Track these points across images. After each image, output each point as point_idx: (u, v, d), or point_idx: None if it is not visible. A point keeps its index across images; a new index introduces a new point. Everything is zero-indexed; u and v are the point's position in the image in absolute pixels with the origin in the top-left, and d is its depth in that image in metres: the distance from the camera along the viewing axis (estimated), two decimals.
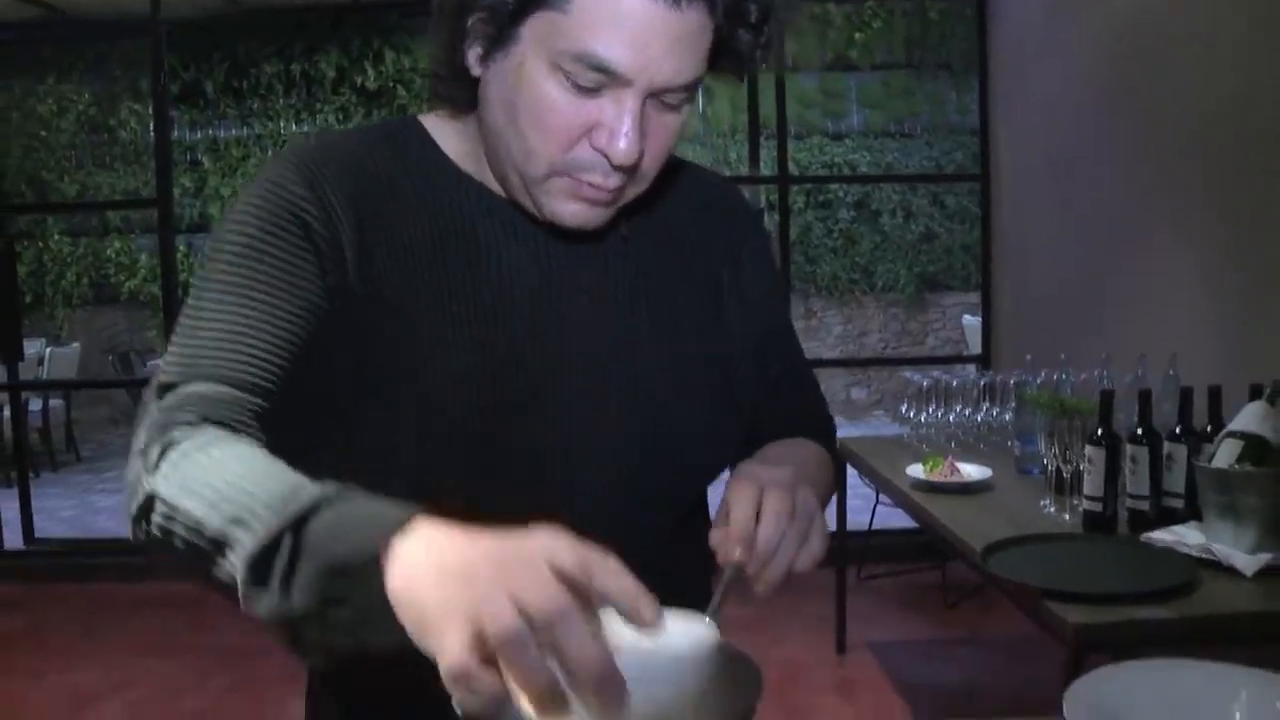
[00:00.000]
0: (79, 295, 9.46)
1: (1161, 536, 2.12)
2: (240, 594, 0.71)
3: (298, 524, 0.69)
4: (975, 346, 7.45)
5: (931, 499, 2.64)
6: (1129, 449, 2.27)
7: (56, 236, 9.37)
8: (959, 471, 2.77)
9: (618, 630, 0.65)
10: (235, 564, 0.71)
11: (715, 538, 0.86)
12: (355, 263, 0.90)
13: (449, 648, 0.60)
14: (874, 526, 4.50)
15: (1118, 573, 1.99)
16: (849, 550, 3.78)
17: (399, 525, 0.67)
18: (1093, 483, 2.27)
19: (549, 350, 0.95)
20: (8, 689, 3.47)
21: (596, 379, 0.97)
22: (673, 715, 0.68)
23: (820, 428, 1.17)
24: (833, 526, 3.62)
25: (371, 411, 0.91)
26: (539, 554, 0.63)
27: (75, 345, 7.89)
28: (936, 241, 9.67)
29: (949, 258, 9.68)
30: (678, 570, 1.05)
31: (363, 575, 0.66)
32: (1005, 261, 4.59)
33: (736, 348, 1.07)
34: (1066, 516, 2.38)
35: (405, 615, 0.64)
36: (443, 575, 0.63)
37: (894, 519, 3.84)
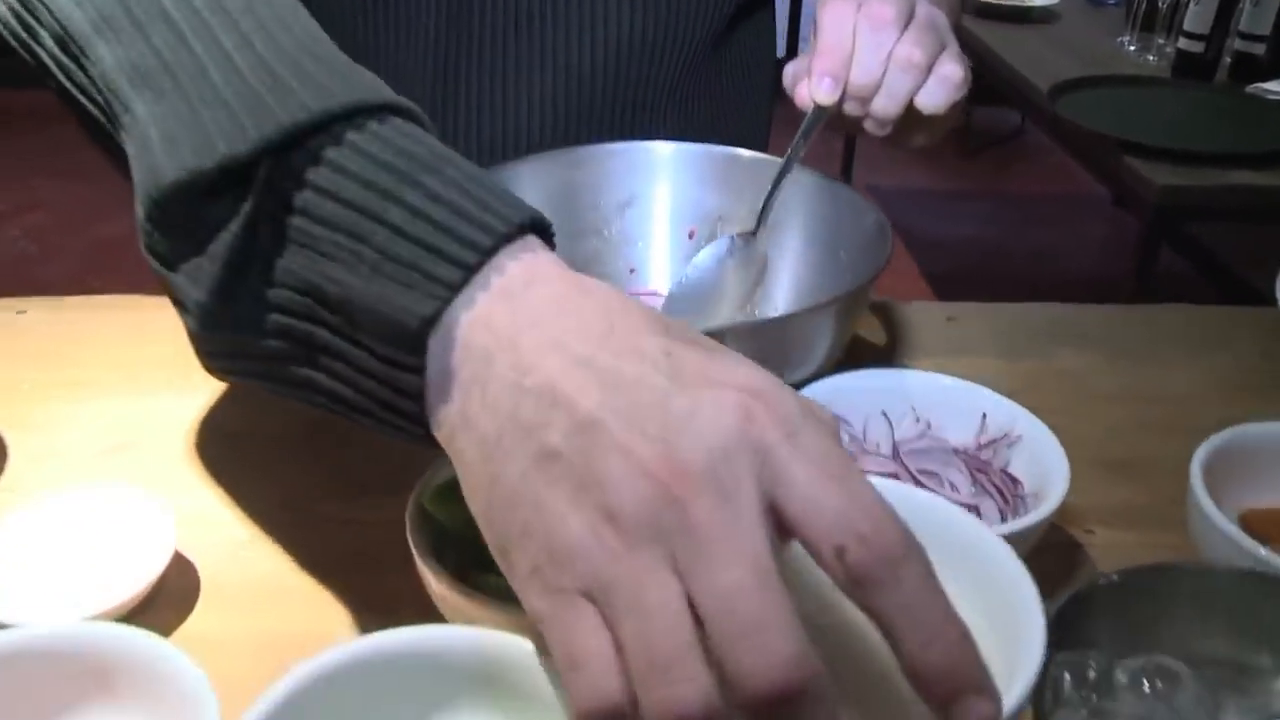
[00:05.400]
0: None
1: (1274, 89, 1.75)
2: (142, 233, 0.35)
3: (296, 140, 0.33)
4: None
5: (984, 25, 2.22)
6: None
7: None
8: None
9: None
10: (138, 172, 0.35)
11: (793, 70, 0.61)
12: None
13: (567, 629, 0.29)
14: None
15: (1214, 128, 1.69)
16: None
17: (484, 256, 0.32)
18: (1199, 14, 1.85)
19: None
20: None
21: None
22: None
23: None
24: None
25: None
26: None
27: None
28: None
29: None
30: (727, 111, 0.81)
31: (408, 341, 0.32)
32: None
33: None
34: (1152, 57, 2.02)
35: (476, 486, 0.31)
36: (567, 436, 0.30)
37: None
